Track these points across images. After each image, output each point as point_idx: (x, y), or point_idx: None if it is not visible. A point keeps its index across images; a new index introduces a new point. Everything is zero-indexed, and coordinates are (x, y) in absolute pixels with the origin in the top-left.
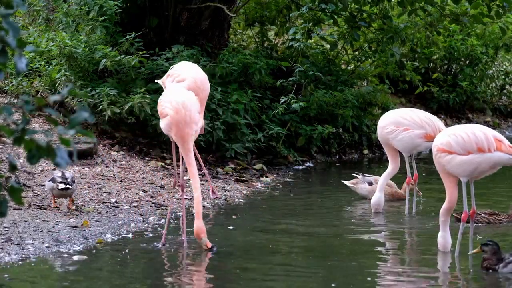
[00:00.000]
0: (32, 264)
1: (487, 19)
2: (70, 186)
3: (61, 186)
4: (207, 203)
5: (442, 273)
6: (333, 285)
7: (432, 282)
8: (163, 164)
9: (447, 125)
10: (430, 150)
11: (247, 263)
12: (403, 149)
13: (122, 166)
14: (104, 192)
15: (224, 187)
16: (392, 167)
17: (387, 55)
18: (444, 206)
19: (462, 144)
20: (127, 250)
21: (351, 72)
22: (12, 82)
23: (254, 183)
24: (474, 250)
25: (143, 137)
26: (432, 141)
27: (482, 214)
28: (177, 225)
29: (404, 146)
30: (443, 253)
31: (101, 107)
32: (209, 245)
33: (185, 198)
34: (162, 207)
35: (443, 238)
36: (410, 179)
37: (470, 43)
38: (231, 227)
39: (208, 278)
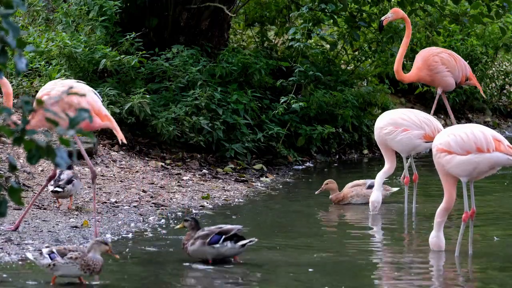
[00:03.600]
0: (32, 264)
1: (487, 19)
2: (61, 189)
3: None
4: (207, 203)
5: (442, 273)
6: (332, 284)
7: (432, 282)
8: (163, 164)
9: (446, 125)
10: (430, 151)
11: (247, 263)
12: (402, 150)
13: (122, 166)
14: (104, 192)
15: (224, 187)
16: (388, 166)
17: (387, 55)
18: (441, 206)
19: (461, 144)
20: (127, 250)
21: (351, 72)
22: (12, 82)
23: (254, 183)
24: (178, 226)
25: (143, 137)
26: (431, 142)
27: None
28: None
29: (403, 147)
30: (442, 253)
31: None
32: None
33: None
34: (162, 207)
35: (437, 237)
36: (408, 180)
37: (470, 43)
38: None
39: (207, 278)
